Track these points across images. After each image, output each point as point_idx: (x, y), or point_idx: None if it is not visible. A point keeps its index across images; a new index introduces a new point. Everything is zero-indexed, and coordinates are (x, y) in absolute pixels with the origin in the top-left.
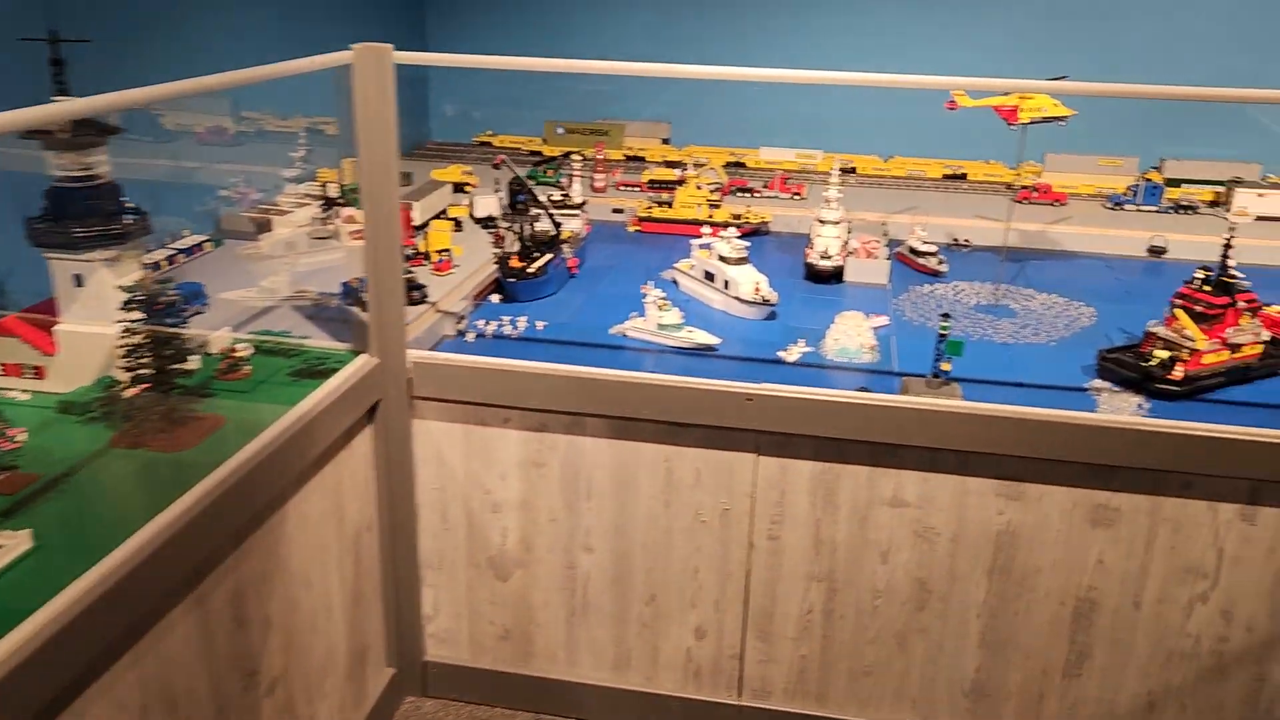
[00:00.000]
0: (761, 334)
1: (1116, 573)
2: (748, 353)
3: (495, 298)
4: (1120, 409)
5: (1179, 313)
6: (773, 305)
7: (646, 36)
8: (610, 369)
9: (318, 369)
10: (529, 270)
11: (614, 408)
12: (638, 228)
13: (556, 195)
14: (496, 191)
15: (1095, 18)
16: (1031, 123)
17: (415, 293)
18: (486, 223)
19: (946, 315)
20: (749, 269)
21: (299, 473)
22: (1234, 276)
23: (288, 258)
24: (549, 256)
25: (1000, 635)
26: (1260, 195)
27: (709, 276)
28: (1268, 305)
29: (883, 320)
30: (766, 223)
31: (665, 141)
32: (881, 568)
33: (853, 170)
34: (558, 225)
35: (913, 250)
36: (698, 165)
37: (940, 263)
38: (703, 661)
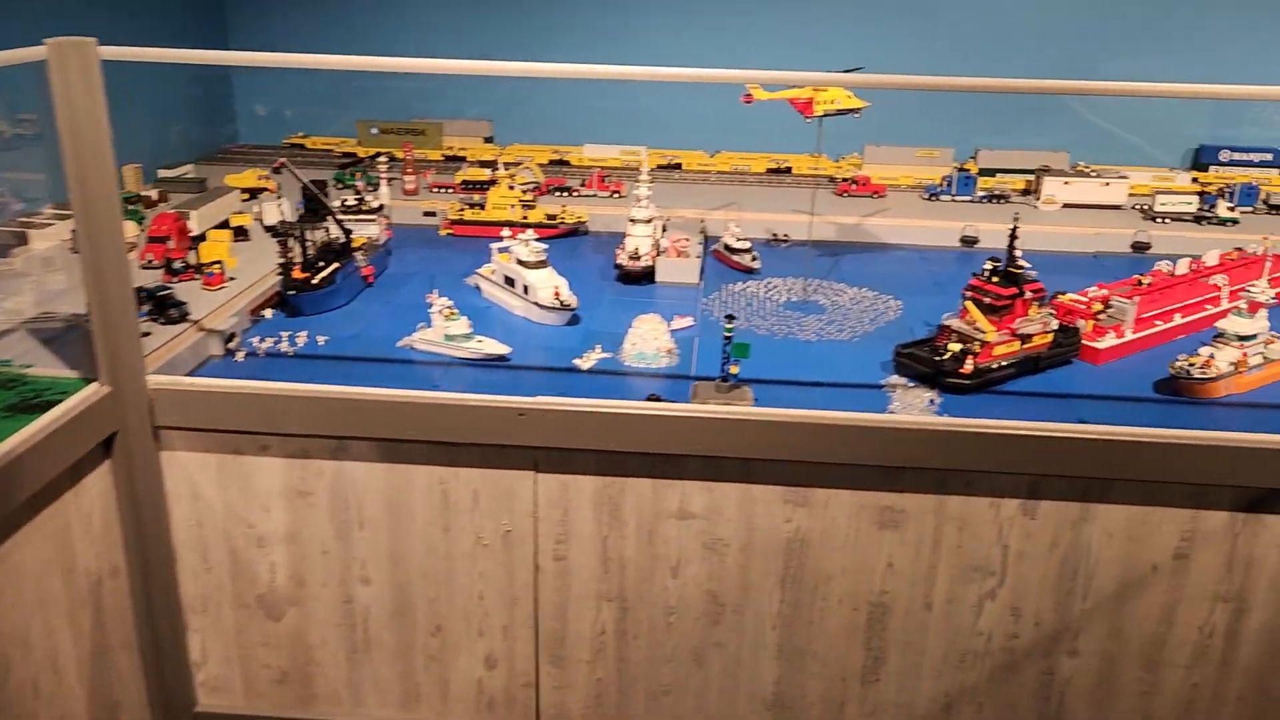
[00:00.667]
0: (561, 340)
1: (906, 575)
2: (544, 361)
3: (271, 313)
4: (912, 405)
5: (969, 305)
6: (573, 309)
7: (466, 33)
8: (378, 388)
9: (34, 402)
10: (313, 281)
11: (382, 429)
12: (450, 231)
13: (351, 200)
14: (279, 198)
15: (911, 11)
16: (826, 115)
17: (173, 310)
18: (277, 231)
19: (731, 317)
20: (548, 273)
21: (2, 520)
22: (1021, 267)
23: (37, 275)
24: (337, 265)
25: (797, 645)
26: (1066, 183)
27: (510, 282)
28: (1061, 293)
29: (687, 321)
30: (583, 222)
31: (488, 140)
32: (673, 582)
33: (678, 166)
34: (347, 232)
35: (727, 247)
36: (509, 166)
37: (754, 259)
38: (495, 692)
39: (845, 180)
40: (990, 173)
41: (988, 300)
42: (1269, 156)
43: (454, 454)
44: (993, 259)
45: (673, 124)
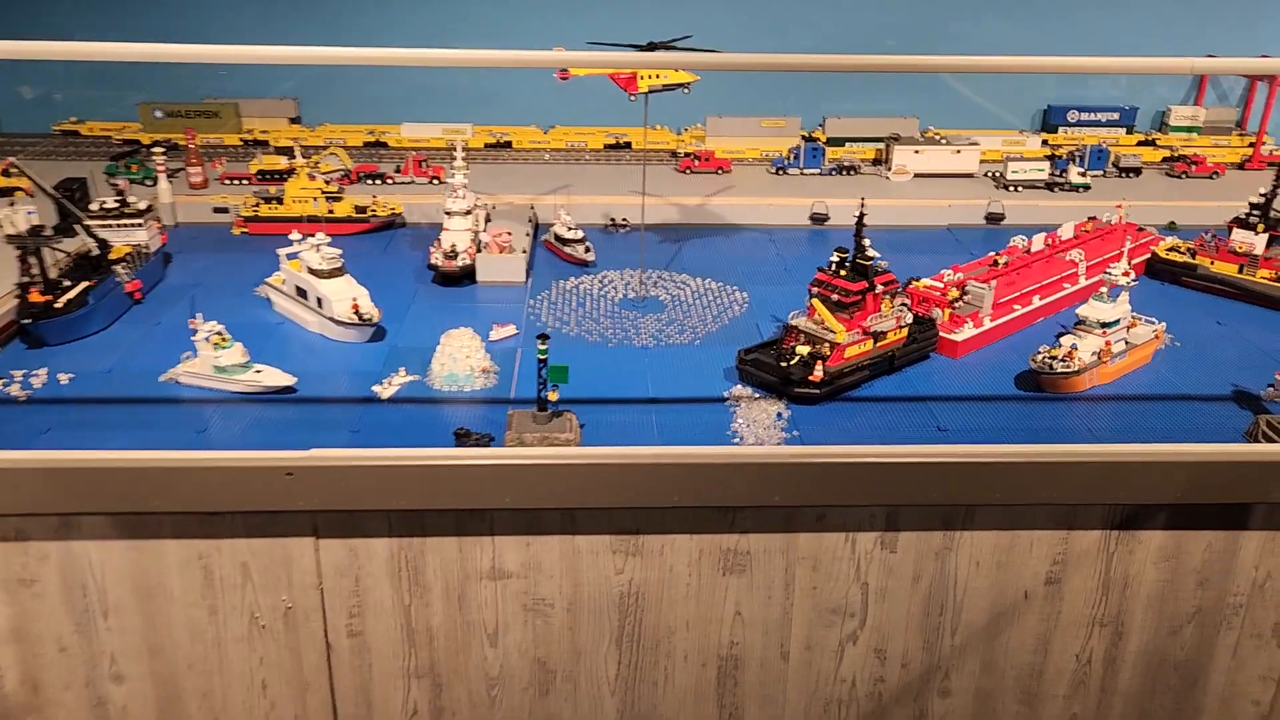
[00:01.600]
0: (362, 360)
1: (758, 623)
2: (337, 390)
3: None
4: (756, 421)
5: (815, 303)
6: (375, 324)
7: (260, 7)
8: (115, 451)
9: None
10: (56, 305)
11: (120, 502)
12: (244, 230)
13: (111, 201)
14: (10, 204)
15: None
16: (651, 92)
17: None
18: (21, 243)
19: (544, 337)
20: (344, 282)
21: None
22: (870, 257)
23: None
24: (88, 284)
25: (641, 710)
26: (917, 152)
27: (301, 293)
28: (915, 280)
29: (509, 331)
30: (398, 214)
31: (294, 121)
32: (492, 651)
33: (508, 144)
34: (101, 242)
35: (558, 238)
36: (309, 152)
37: (587, 250)
38: None
39: (687, 156)
40: (839, 142)
41: (835, 297)
42: (1115, 116)
43: (214, 524)
44: (839, 250)
45: (503, 98)
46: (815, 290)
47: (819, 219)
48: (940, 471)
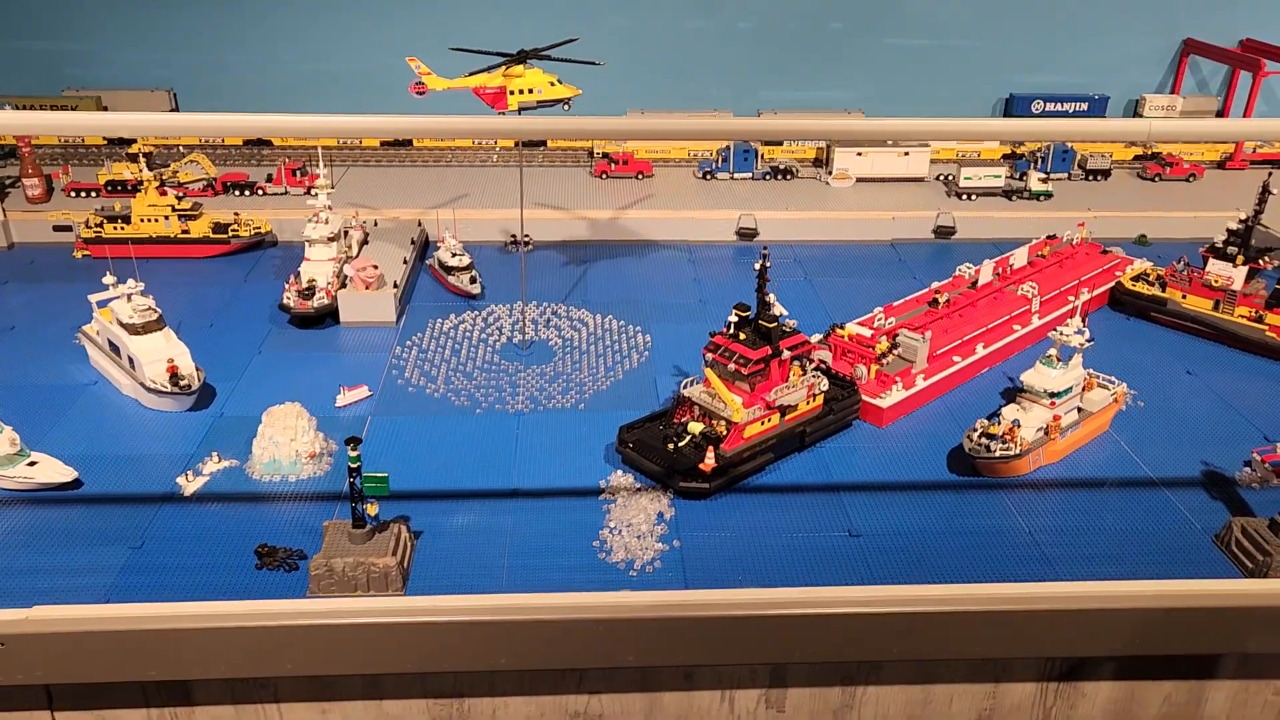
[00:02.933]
0: (174, 437)
1: None
2: (133, 480)
3: None
4: (631, 525)
5: (710, 374)
6: (193, 391)
7: None
8: None
9: None
10: None
11: None
12: (85, 252)
13: None
14: None
15: None
16: (526, 109)
17: None
18: None
19: (354, 440)
20: (160, 339)
21: None
22: (776, 317)
23: None
24: None
25: None
26: (860, 155)
27: (115, 348)
28: (839, 326)
29: (360, 394)
30: (265, 233)
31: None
32: None
33: (408, 143)
34: None
35: (442, 265)
36: (165, 158)
37: (473, 281)
38: None
39: (604, 158)
40: (775, 141)
41: (733, 366)
42: (1084, 106)
43: None
44: (739, 307)
45: (403, 91)
46: (710, 357)
47: (746, 234)
48: (837, 624)
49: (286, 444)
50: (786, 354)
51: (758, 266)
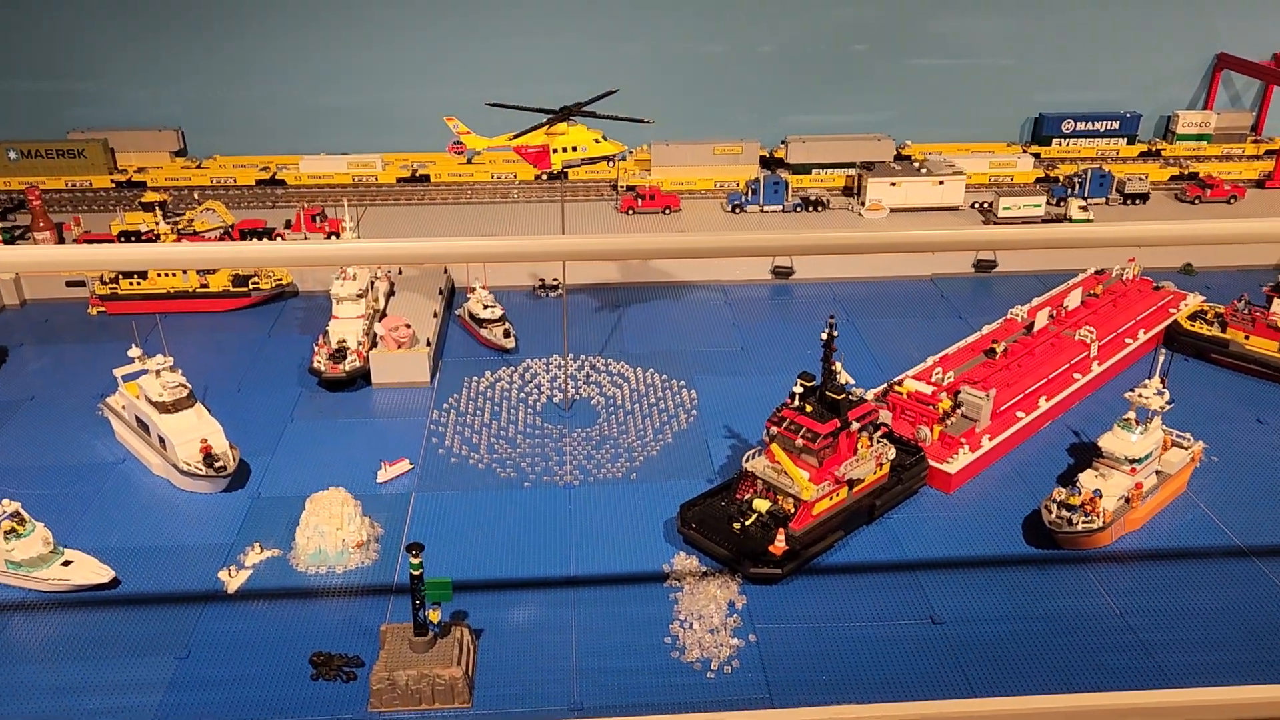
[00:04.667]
0: (212, 522)
1: None
2: (173, 577)
3: None
4: (703, 617)
5: (776, 449)
6: (229, 473)
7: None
8: None
9: None
10: None
11: None
12: (101, 309)
13: None
14: None
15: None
16: (569, 168)
17: None
18: None
19: (416, 547)
20: (192, 416)
21: None
22: (842, 387)
23: None
24: None
25: None
26: (894, 184)
27: (143, 425)
28: (897, 384)
29: (402, 468)
30: (286, 284)
31: (179, 154)
32: None
33: (425, 179)
34: None
35: (473, 316)
36: (179, 204)
37: (507, 335)
38: None
39: (630, 191)
40: (804, 169)
41: (800, 441)
42: (1115, 124)
43: None
44: (803, 377)
45: (420, 122)
46: (775, 431)
47: (782, 273)
48: None
49: (332, 533)
50: (855, 425)
51: (824, 336)
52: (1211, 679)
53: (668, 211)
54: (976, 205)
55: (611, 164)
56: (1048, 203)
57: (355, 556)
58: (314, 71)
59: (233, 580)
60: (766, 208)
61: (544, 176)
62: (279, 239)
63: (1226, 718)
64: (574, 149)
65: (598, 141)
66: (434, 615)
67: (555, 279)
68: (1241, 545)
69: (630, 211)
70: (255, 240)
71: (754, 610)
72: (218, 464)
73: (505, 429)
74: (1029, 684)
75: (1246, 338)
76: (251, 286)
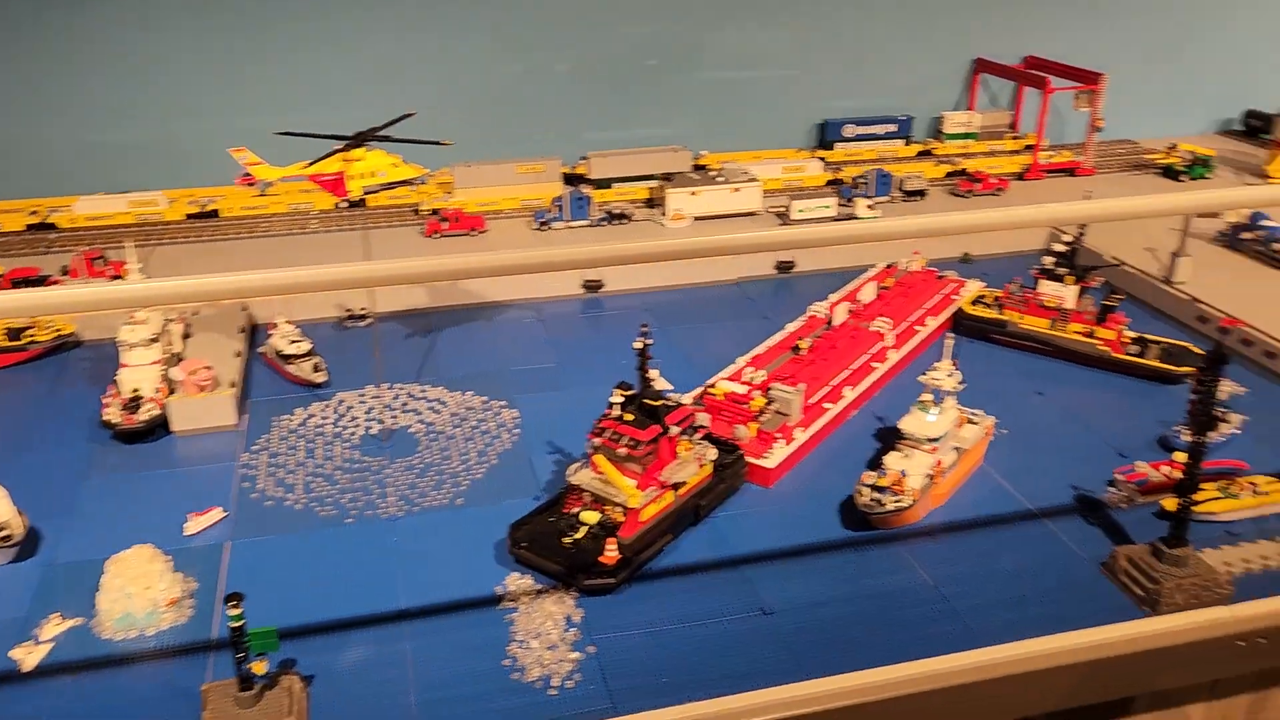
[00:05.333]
0: (2, 598)
1: None
2: None
3: None
4: (541, 635)
5: (600, 460)
6: (16, 542)
7: None
8: None
9: None
10: None
11: None
12: None
13: None
14: None
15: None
16: (370, 193)
17: None
18: None
19: (234, 598)
20: None
21: None
22: (659, 394)
23: None
24: None
25: None
26: (694, 194)
27: None
28: (711, 386)
29: (212, 517)
30: (67, 335)
31: None
32: None
33: (214, 214)
34: None
35: (279, 353)
36: None
37: (316, 370)
38: None
39: (434, 215)
40: (605, 184)
41: (623, 450)
42: (893, 127)
43: None
44: (621, 386)
45: (206, 154)
46: (597, 442)
47: (593, 286)
48: None
49: (140, 593)
50: (674, 429)
51: (638, 346)
52: (1015, 635)
53: (474, 233)
54: (772, 210)
55: (413, 188)
56: (839, 204)
57: (168, 616)
58: (86, 106)
59: (29, 658)
60: (573, 223)
61: (343, 205)
62: (52, 284)
63: (1029, 669)
64: (372, 174)
65: (397, 165)
66: (259, 667)
67: (363, 308)
68: (1033, 509)
69: (436, 235)
70: (29, 289)
71: (591, 622)
72: (2, 533)
73: (322, 466)
74: (857, 661)
75: (1021, 317)
76: (28, 340)
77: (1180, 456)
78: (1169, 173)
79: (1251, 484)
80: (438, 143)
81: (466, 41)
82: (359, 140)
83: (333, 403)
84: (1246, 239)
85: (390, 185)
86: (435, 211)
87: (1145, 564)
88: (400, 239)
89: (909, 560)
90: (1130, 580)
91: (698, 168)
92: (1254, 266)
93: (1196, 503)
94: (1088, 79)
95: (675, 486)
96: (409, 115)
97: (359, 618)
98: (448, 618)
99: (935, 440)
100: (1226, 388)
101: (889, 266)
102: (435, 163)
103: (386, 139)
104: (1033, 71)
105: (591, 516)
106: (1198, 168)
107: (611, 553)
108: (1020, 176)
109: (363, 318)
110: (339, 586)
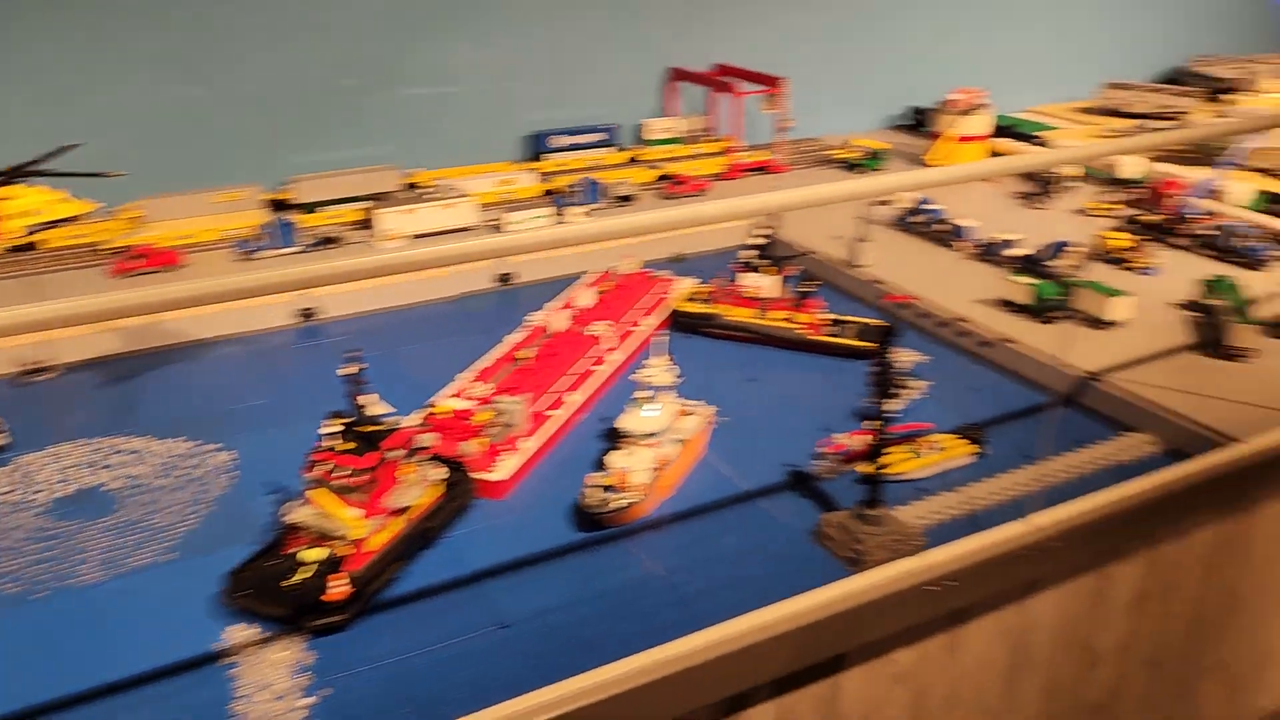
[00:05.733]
0: None
1: None
2: None
3: None
4: (268, 686)
5: (318, 495)
6: None
7: None
8: None
9: None
10: None
11: None
12: None
13: None
14: None
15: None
16: (33, 232)
17: None
18: None
19: None
20: None
21: None
22: (375, 419)
23: None
24: None
25: None
26: (409, 212)
27: None
28: (432, 405)
29: None
30: None
31: None
32: None
33: None
34: None
35: None
36: None
37: None
38: None
39: (121, 253)
40: (310, 208)
41: (342, 480)
42: (603, 136)
43: None
44: (335, 415)
45: None
46: (315, 476)
47: (307, 314)
48: None
49: None
50: (395, 453)
51: (348, 372)
52: (740, 612)
53: (168, 269)
54: (490, 224)
55: (79, 221)
56: (557, 214)
57: None
58: None
59: None
60: (282, 250)
61: (4, 250)
62: None
63: (750, 641)
64: (34, 214)
65: (63, 202)
66: None
67: (39, 362)
68: (752, 489)
69: (126, 274)
70: None
71: (325, 664)
72: None
73: (4, 538)
74: (592, 660)
75: (730, 310)
76: None
77: (871, 425)
78: (849, 166)
79: (935, 443)
80: (103, 174)
81: (137, 67)
82: (8, 178)
83: (12, 468)
84: (915, 222)
85: (54, 223)
86: (124, 249)
87: (848, 527)
88: (80, 282)
89: (639, 554)
90: (836, 544)
91: (410, 186)
92: (924, 245)
93: (886, 466)
94: (772, 83)
95: (402, 511)
96: (70, 147)
97: (61, 699)
98: (162, 685)
99: (656, 435)
100: (909, 357)
101: (605, 272)
102: (117, 198)
103: (41, 174)
104: (722, 78)
105: (315, 554)
106: (871, 160)
107: (338, 588)
108: (720, 177)
109: (44, 370)
110: (37, 671)
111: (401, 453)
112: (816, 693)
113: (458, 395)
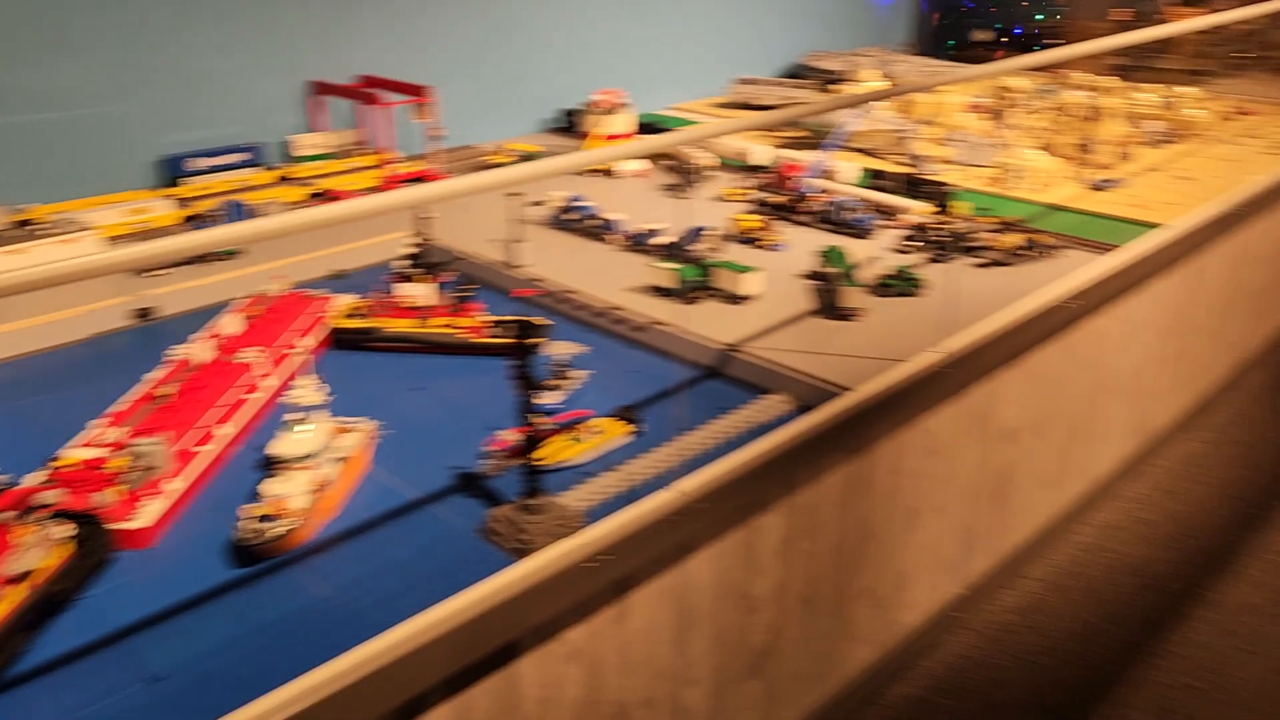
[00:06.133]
0: None
1: None
2: None
3: None
4: None
5: None
6: None
7: None
8: None
9: None
10: None
11: None
12: None
13: None
14: None
15: None
16: None
17: None
18: None
19: None
20: None
21: None
22: None
23: None
24: None
25: None
26: (23, 250)
27: None
28: (54, 461)
29: None
30: None
31: None
32: None
33: None
34: None
35: None
36: None
37: None
38: None
39: None
40: None
41: None
42: (249, 155)
43: None
44: None
45: None
46: None
47: None
48: None
49: None
50: (8, 515)
51: None
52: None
53: None
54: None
55: None
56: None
57: None
58: None
59: None
60: None
61: None
62: None
63: (418, 643)
64: None
65: None
66: None
67: None
68: (421, 496)
69: None
70: None
71: None
72: None
73: None
74: (253, 698)
75: (390, 322)
76: None
77: (533, 420)
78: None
79: (594, 428)
80: None
81: None
82: None
83: None
84: (568, 219)
85: None
86: None
87: (512, 519)
88: None
89: (304, 580)
90: (503, 538)
91: (21, 224)
92: (579, 241)
93: (545, 457)
94: (418, 92)
95: (22, 578)
96: None
97: None
98: None
99: (312, 456)
100: (570, 349)
101: (254, 296)
102: None
103: None
104: (367, 89)
105: None
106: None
107: None
108: (377, 190)
109: None
110: None
111: (13, 514)
112: (492, 686)
113: (87, 445)
